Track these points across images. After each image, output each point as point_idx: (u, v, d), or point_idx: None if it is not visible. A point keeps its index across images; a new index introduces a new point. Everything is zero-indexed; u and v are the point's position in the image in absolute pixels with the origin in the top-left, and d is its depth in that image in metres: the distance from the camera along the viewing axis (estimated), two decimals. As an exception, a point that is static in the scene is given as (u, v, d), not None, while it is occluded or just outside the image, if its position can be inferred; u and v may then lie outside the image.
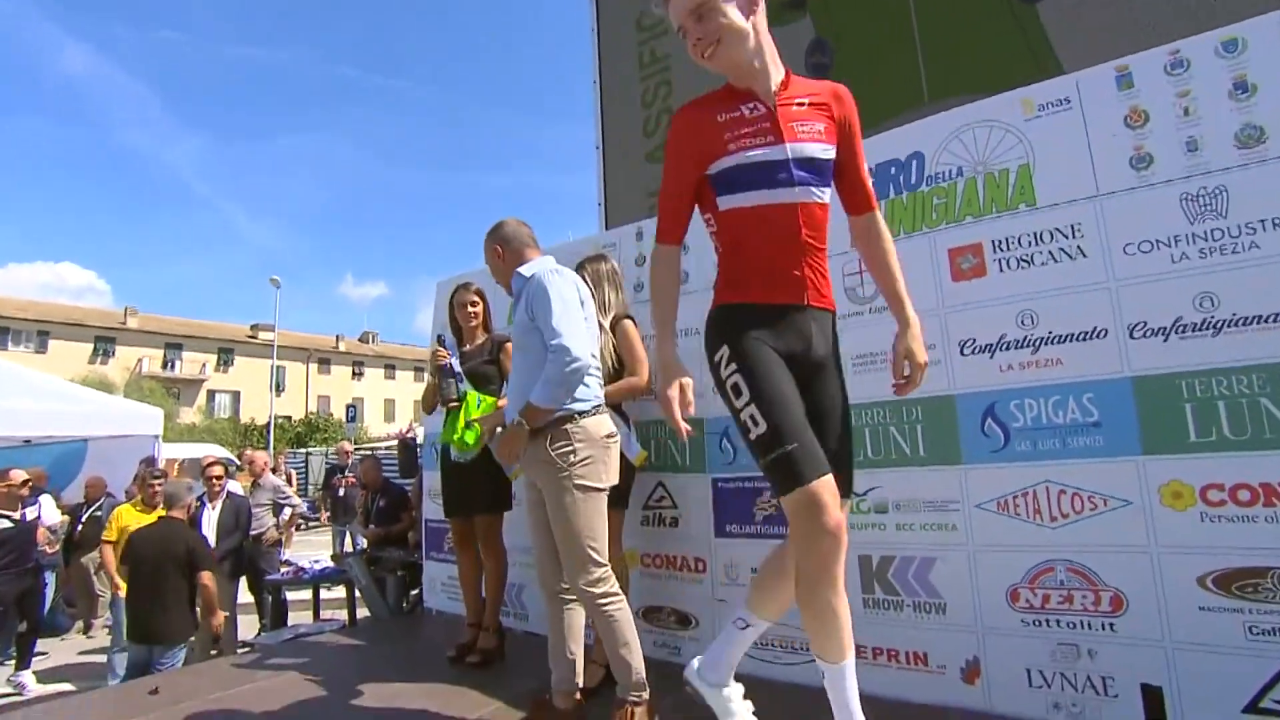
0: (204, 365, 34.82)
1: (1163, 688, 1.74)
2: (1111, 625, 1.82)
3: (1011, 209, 2.04)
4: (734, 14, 1.40)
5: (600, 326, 2.49)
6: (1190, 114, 1.85)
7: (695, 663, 1.80)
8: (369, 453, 7.88)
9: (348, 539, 6.78)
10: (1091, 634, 1.84)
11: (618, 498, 2.29)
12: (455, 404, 2.64)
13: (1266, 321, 1.70)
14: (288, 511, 5.66)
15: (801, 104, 1.45)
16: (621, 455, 2.16)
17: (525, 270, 2.07)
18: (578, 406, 1.93)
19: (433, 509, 3.64)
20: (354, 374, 41.47)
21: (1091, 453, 1.87)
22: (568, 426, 1.91)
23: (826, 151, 1.44)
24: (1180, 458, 1.77)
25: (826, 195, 1.46)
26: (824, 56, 4.23)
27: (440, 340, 2.80)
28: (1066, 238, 1.95)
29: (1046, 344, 1.95)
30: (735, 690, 1.73)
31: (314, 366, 39.16)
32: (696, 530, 2.62)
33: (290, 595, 5.06)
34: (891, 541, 2.16)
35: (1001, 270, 2.04)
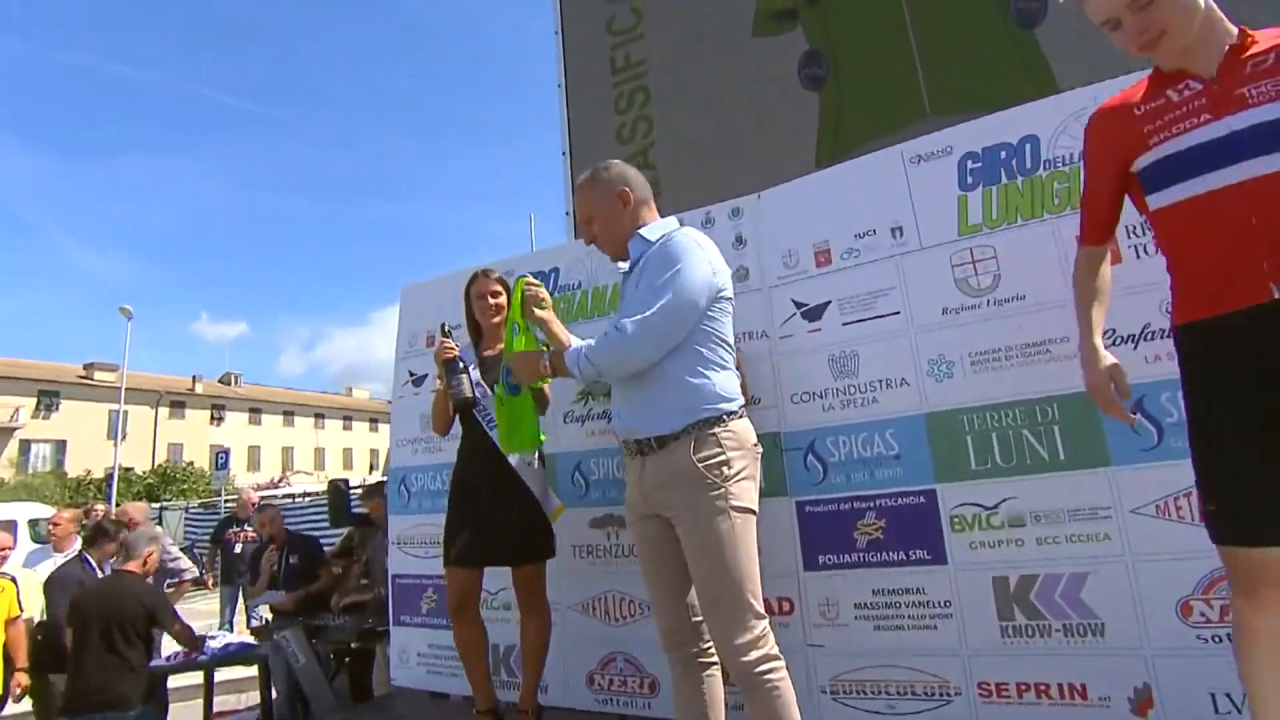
0: (16, 411, 29.80)
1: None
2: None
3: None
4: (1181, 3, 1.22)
5: None
6: None
7: None
8: (266, 502, 6.86)
9: (260, 605, 5.75)
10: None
11: None
12: (469, 403, 2.27)
13: None
14: (184, 577, 4.68)
15: (1260, 61, 1.20)
16: None
17: (649, 232, 1.72)
18: (728, 406, 1.59)
19: (404, 561, 3.06)
20: (213, 419, 37.29)
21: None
22: (716, 431, 1.55)
23: None
24: None
25: None
26: (819, 68, 4.25)
27: (445, 330, 2.36)
28: (1210, 222, 1.90)
29: (1197, 333, 1.88)
30: None
31: (164, 411, 34.79)
32: (779, 565, 2.32)
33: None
34: (1033, 559, 1.98)
35: (1138, 257, 1.96)
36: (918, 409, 2.18)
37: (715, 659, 1.62)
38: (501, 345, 2.29)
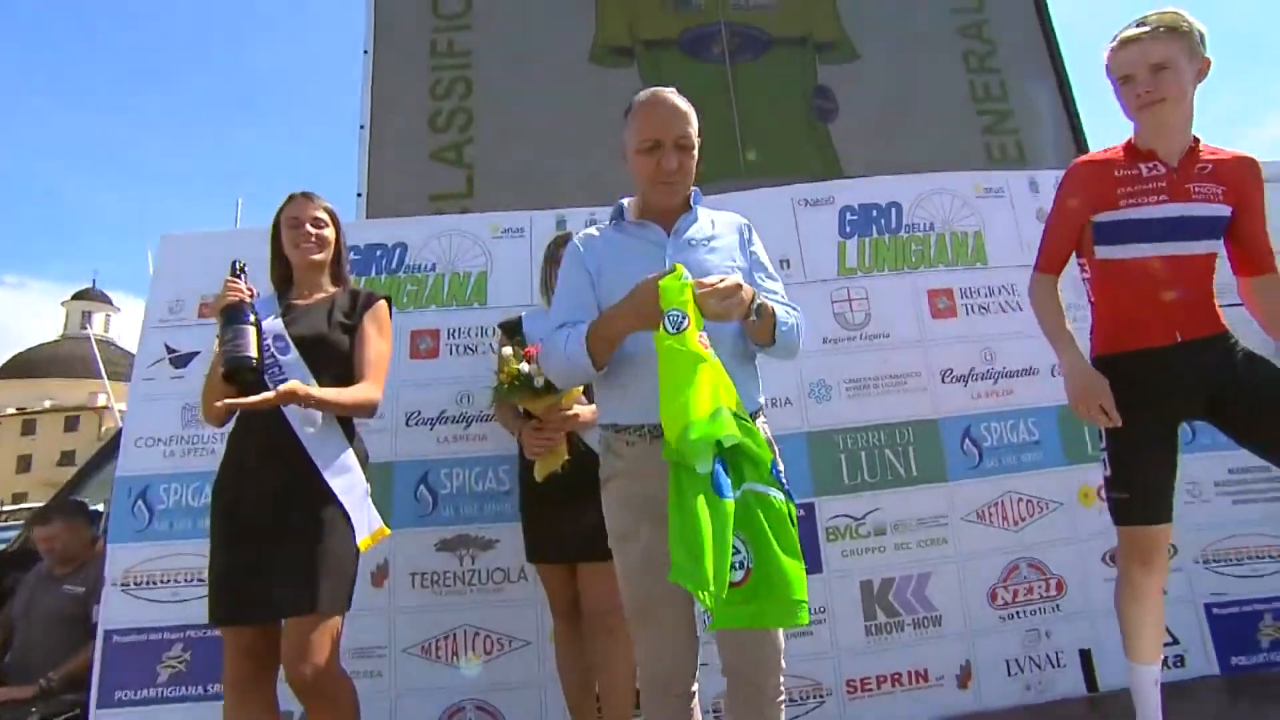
0: None
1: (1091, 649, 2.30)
2: (1058, 606, 2.32)
3: (971, 264, 2.56)
4: (1186, 80, 1.52)
5: None
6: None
7: None
8: None
9: None
10: (1046, 617, 2.31)
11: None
12: (247, 368, 1.52)
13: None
14: None
15: (1205, 168, 1.59)
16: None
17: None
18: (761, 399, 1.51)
19: (129, 609, 2.14)
20: None
21: (1038, 465, 2.41)
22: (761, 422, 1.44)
23: (1219, 211, 1.58)
24: (1083, 466, 2.43)
25: (1215, 247, 1.62)
26: (647, 108, 4.53)
27: (236, 268, 1.64)
28: (1010, 294, 2.54)
29: (1003, 377, 2.47)
30: None
31: None
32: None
33: None
34: (891, 563, 2.30)
35: (968, 314, 2.51)
36: (800, 428, 2.39)
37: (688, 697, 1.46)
38: (307, 295, 1.75)
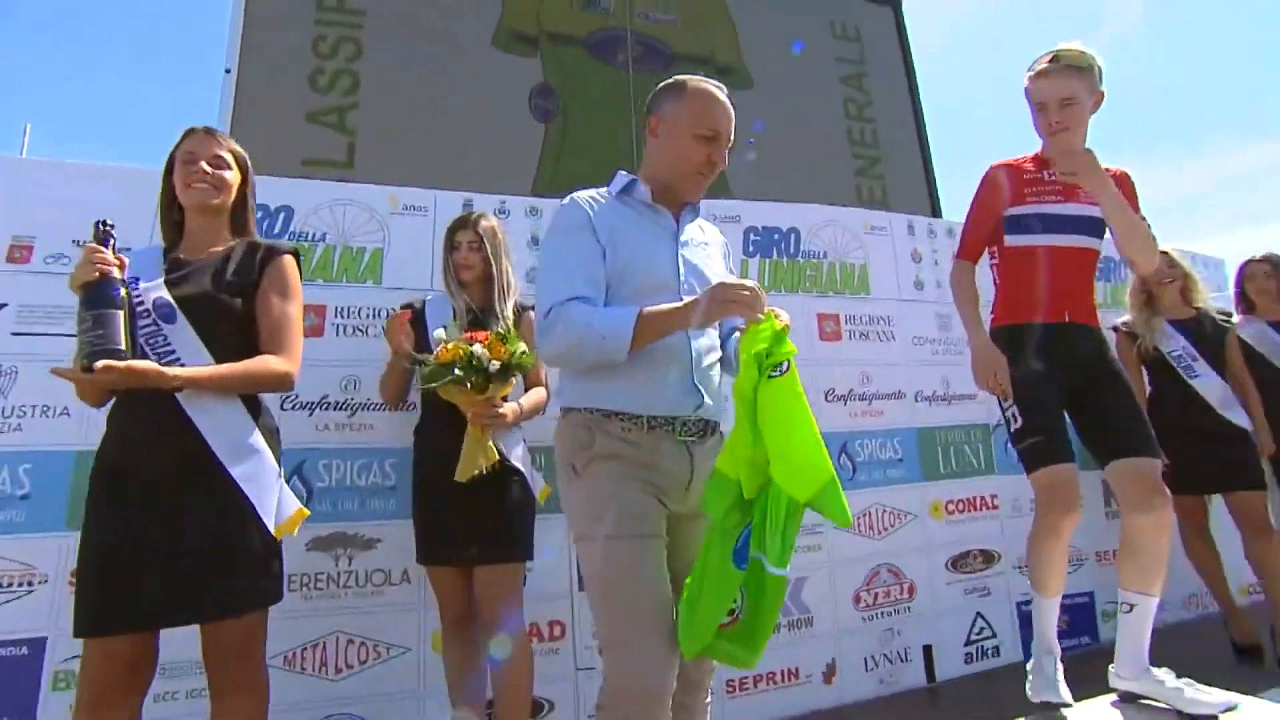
0: None
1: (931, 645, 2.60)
2: (909, 608, 2.60)
3: (856, 293, 2.81)
4: (1086, 114, 1.80)
5: (499, 316, 1.99)
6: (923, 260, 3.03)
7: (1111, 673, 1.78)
8: None
9: None
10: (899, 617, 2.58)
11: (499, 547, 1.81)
12: (113, 362, 1.23)
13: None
14: None
15: None
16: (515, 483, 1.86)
17: None
18: None
19: None
20: None
21: (900, 480, 2.69)
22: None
23: (1099, 213, 1.85)
24: (935, 483, 2.76)
25: (1097, 243, 1.89)
26: (550, 103, 4.45)
27: (100, 231, 1.33)
28: (886, 324, 2.81)
29: (876, 399, 2.73)
30: (1159, 671, 1.72)
31: None
32: (551, 587, 2.25)
33: None
34: (771, 566, 2.44)
35: (850, 339, 2.75)
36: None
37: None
38: (217, 248, 1.49)
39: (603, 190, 1.42)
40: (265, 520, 1.36)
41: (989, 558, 2.82)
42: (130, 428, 1.34)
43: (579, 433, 1.31)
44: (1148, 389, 2.88)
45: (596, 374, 1.32)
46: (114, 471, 1.33)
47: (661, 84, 1.44)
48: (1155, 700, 1.70)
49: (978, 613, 2.74)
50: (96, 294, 1.26)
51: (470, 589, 1.87)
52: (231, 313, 1.41)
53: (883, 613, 2.57)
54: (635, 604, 1.20)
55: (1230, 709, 1.61)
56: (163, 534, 1.27)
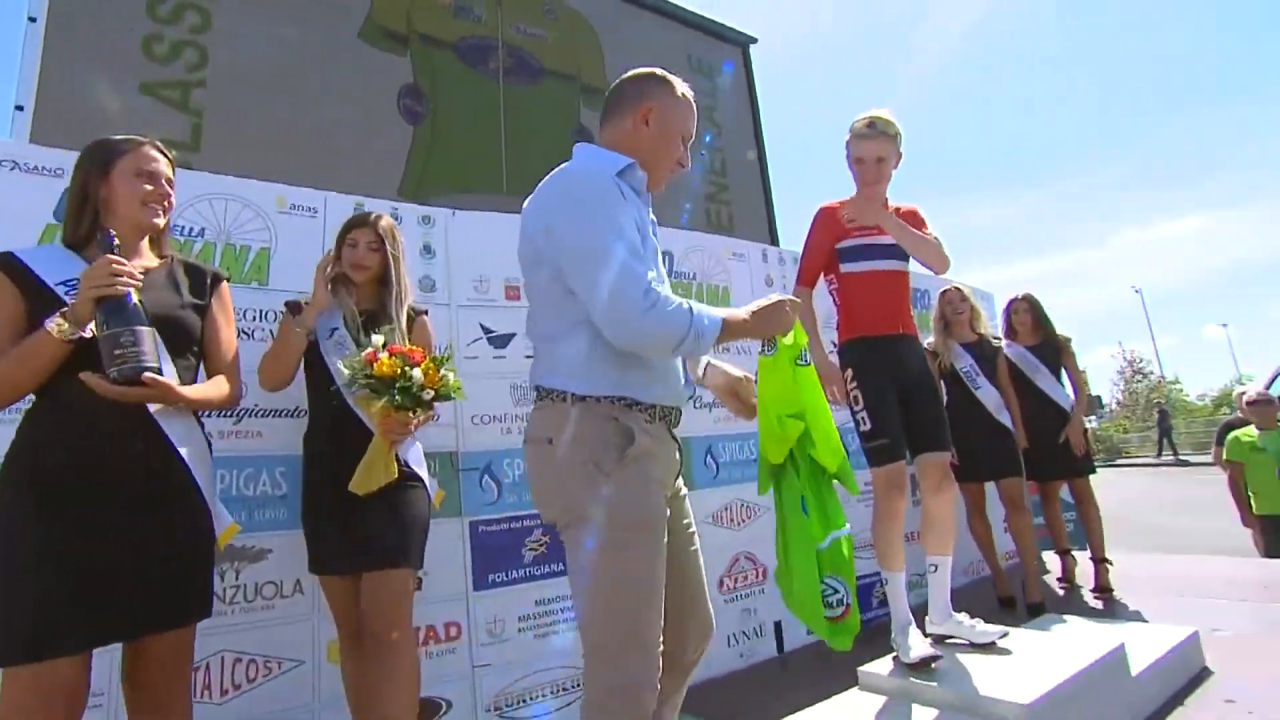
0: None
1: (781, 621, 3.08)
2: (763, 589, 3.06)
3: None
4: (890, 168, 2.30)
5: (393, 318, 1.99)
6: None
7: (918, 642, 2.18)
8: None
9: None
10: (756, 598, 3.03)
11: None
12: (157, 377, 1.34)
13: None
14: None
15: (895, 213, 2.35)
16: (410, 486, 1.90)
17: None
18: None
19: None
20: None
21: (752, 478, 3.14)
22: None
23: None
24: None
25: (905, 268, 2.39)
26: (418, 105, 4.45)
27: (114, 242, 1.37)
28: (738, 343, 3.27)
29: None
30: (958, 615, 2.30)
31: None
32: (447, 588, 2.38)
33: None
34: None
35: (715, 354, 3.16)
36: (582, 439, 2.75)
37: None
38: (146, 261, 1.53)
39: (602, 166, 1.42)
40: (216, 526, 1.44)
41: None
42: (84, 433, 1.33)
43: (605, 426, 1.30)
44: (945, 398, 3.64)
45: (620, 360, 1.32)
46: (62, 476, 1.31)
47: (645, 72, 1.51)
48: (956, 637, 2.27)
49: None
50: (124, 307, 1.32)
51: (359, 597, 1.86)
52: (191, 334, 1.51)
53: (741, 594, 3.00)
54: (657, 608, 1.28)
55: (1004, 635, 2.20)
56: (157, 537, 1.32)
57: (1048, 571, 4.17)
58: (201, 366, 1.60)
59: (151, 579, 1.33)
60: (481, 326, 2.67)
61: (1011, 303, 4.02)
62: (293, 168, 3.55)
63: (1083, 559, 3.86)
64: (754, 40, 6.50)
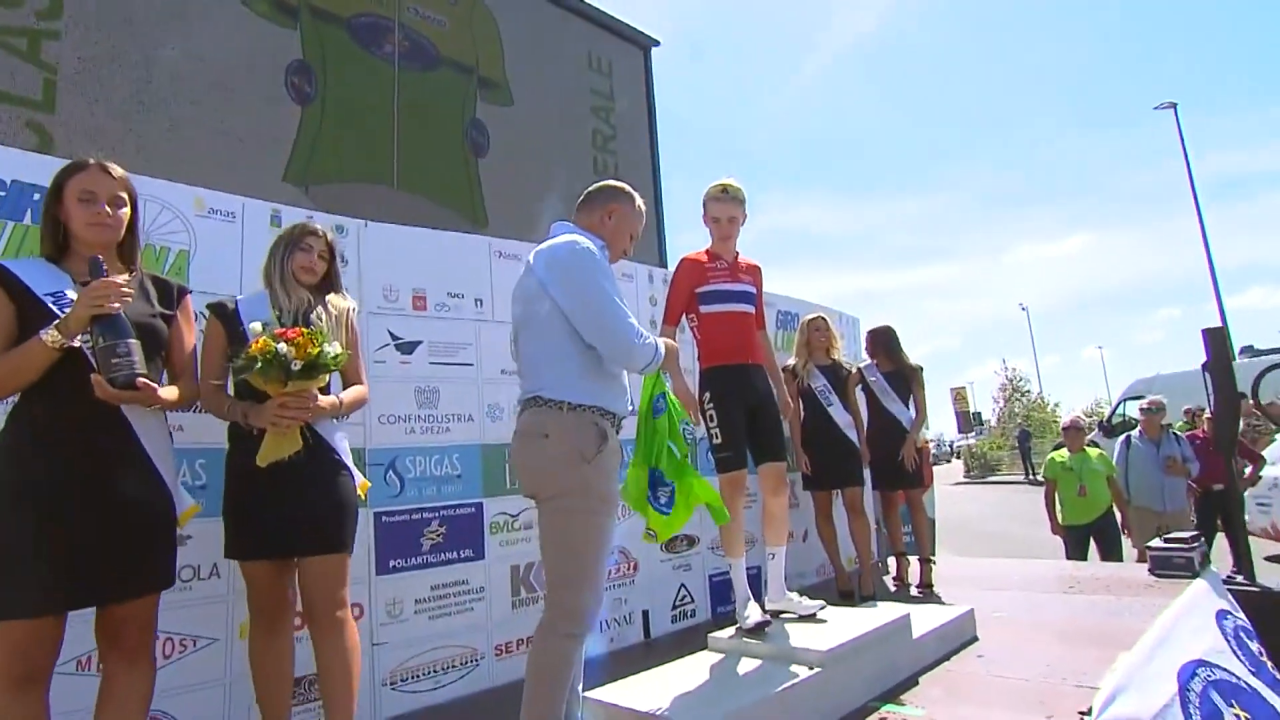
0: None
1: (648, 610, 3.85)
2: (634, 581, 3.81)
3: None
4: (739, 225, 3.12)
5: (327, 310, 2.43)
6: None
7: (754, 611, 2.95)
8: None
9: None
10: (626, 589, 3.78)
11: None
12: (149, 382, 1.81)
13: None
14: None
15: (743, 266, 3.14)
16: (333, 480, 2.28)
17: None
18: None
19: None
20: None
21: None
22: None
23: (750, 289, 3.14)
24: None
25: (752, 309, 3.17)
26: (307, 84, 4.75)
27: (102, 265, 1.81)
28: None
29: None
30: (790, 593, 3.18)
31: None
32: (350, 572, 2.91)
33: None
34: (532, 550, 3.43)
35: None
36: (477, 440, 3.36)
37: None
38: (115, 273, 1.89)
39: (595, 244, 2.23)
40: (177, 506, 1.94)
41: (691, 541, 4.19)
42: (63, 430, 1.76)
43: (590, 428, 2.06)
44: (803, 413, 4.57)
45: (600, 378, 2.13)
46: (43, 458, 1.73)
47: (614, 183, 2.45)
48: (788, 611, 3.12)
49: (682, 584, 4.09)
50: (117, 322, 1.76)
51: (289, 584, 2.26)
52: (161, 341, 1.95)
53: (614, 584, 3.74)
54: (605, 560, 2.11)
55: (823, 608, 3.08)
56: (124, 517, 1.77)
57: (888, 572, 5.26)
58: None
59: (117, 554, 1.76)
60: (390, 333, 3.20)
61: (871, 333, 5.05)
62: (163, 139, 3.81)
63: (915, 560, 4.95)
64: (656, 43, 7.19)
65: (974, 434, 33.50)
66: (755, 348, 3.30)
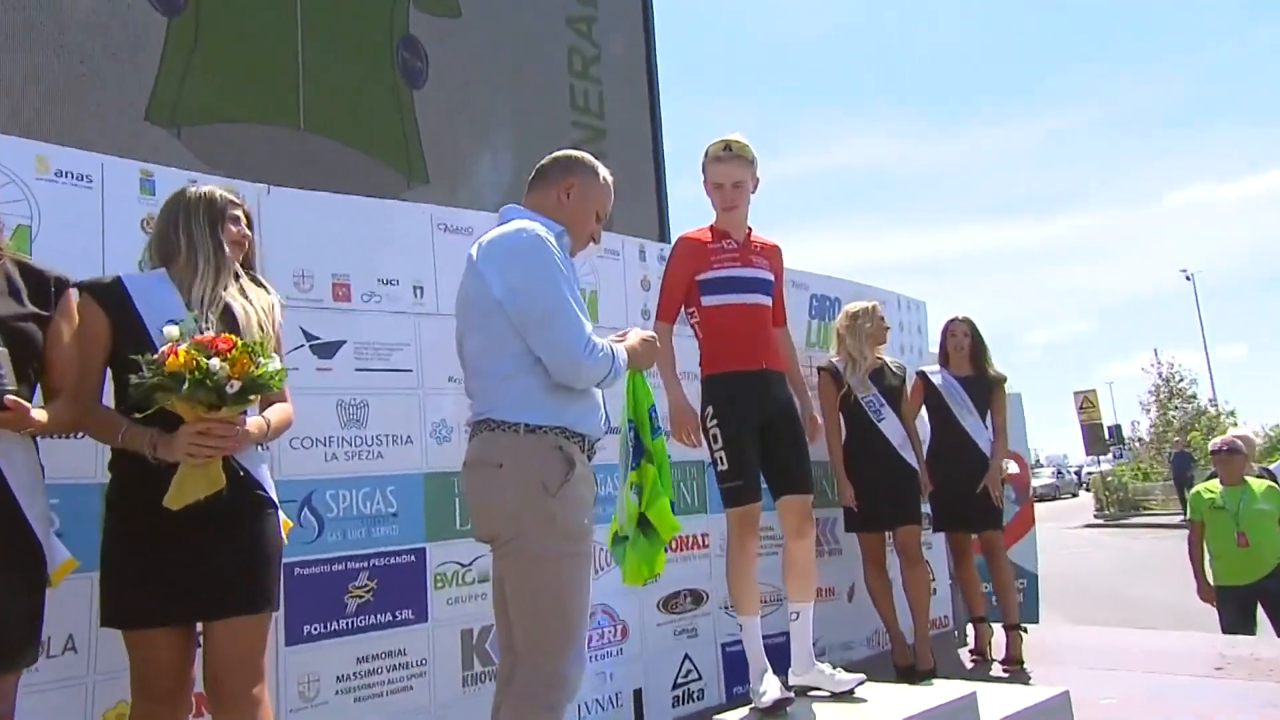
0: None
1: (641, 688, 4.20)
2: (621, 650, 4.16)
3: (587, 321, 4.27)
4: (749, 192, 3.43)
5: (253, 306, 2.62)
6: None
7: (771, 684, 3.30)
8: None
9: None
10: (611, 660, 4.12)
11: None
12: (16, 399, 2.00)
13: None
14: None
15: (756, 246, 3.49)
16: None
17: None
18: None
19: None
20: None
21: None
22: None
23: (768, 275, 3.49)
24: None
25: (769, 301, 3.51)
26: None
27: None
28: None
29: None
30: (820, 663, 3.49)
31: None
32: (259, 638, 3.24)
33: None
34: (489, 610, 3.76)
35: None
36: (418, 468, 3.69)
37: None
38: None
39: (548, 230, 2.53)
40: (49, 561, 2.16)
41: (697, 598, 4.53)
42: None
43: (552, 453, 2.35)
44: (845, 430, 4.92)
45: (565, 393, 2.43)
46: None
47: (571, 153, 2.76)
48: (816, 686, 3.47)
49: (686, 654, 4.42)
50: None
51: (192, 656, 2.40)
52: (35, 347, 2.17)
53: (597, 654, 4.06)
54: (584, 609, 2.41)
55: (861, 683, 3.43)
56: None
57: (963, 642, 5.60)
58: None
59: None
60: (303, 332, 3.46)
61: (949, 324, 5.40)
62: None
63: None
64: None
65: (1110, 457, 33.08)
66: (772, 349, 3.65)
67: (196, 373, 2.07)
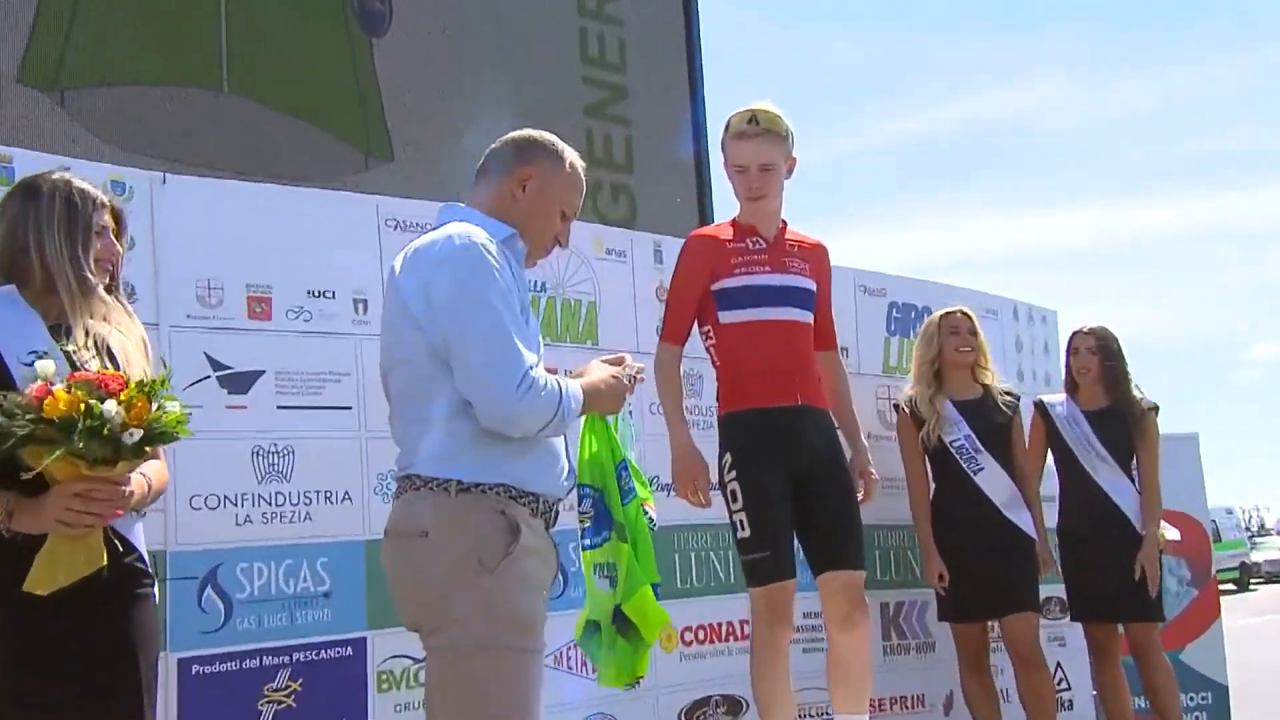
0: None
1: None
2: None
3: (581, 342, 4.33)
4: (782, 176, 3.43)
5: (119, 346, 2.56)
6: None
7: None
8: None
9: None
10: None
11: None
12: None
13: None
14: None
15: (792, 246, 3.51)
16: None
17: None
18: None
19: None
20: None
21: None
22: None
23: (809, 284, 3.50)
24: (667, 602, 4.42)
25: (809, 317, 3.50)
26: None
27: None
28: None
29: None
30: None
31: None
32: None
33: None
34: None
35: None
36: (359, 533, 3.73)
37: None
38: None
39: (488, 236, 2.43)
40: None
41: (734, 707, 4.54)
42: None
43: (491, 518, 2.28)
44: (932, 484, 4.88)
45: (507, 441, 2.34)
46: None
47: (529, 134, 2.69)
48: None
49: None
50: None
51: None
52: None
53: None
54: (535, 716, 2.32)
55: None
56: None
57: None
58: None
59: None
60: (209, 359, 3.54)
61: (1074, 337, 5.31)
62: None
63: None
64: None
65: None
66: (812, 379, 3.65)
67: (89, 419, 2.05)
